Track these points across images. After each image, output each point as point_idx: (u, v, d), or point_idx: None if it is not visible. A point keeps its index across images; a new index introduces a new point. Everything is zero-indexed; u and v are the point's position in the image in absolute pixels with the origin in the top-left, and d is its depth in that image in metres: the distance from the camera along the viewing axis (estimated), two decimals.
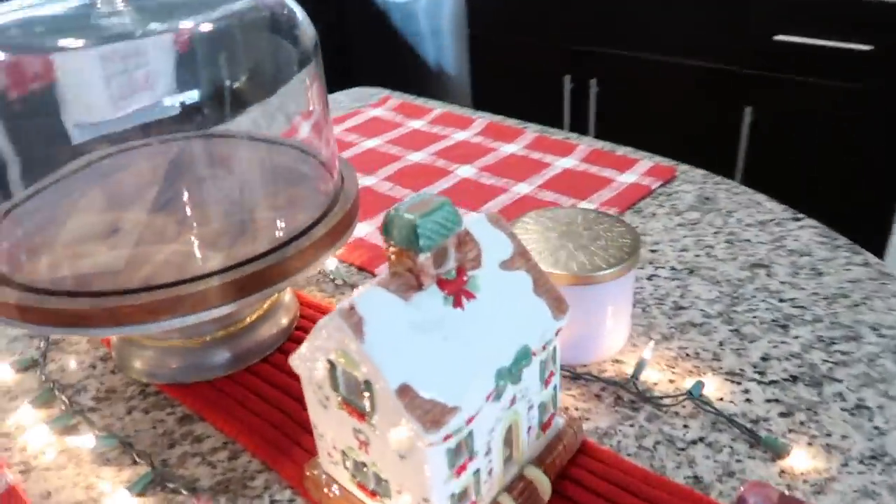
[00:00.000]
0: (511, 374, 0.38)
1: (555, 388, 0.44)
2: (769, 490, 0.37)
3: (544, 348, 0.41)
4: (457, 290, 0.38)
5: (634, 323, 0.59)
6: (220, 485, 0.47)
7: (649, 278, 0.65)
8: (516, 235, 0.43)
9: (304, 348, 0.38)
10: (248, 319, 0.56)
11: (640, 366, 0.53)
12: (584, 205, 0.77)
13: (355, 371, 0.35)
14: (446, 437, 0.35)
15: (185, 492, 0.46)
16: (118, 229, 0.52)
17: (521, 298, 0.40)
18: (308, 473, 0.45)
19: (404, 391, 0.34)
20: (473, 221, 0.41)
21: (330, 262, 0.70)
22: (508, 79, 2.16)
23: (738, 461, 0.46)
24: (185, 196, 0.56)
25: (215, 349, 0.55)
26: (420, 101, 1.09)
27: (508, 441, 0.42)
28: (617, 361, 0.55)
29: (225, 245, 0.50)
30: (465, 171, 0.86)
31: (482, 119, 1.00)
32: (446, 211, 0.37)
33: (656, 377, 0.54)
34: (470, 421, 0.37)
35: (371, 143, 0.95)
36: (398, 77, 2.46)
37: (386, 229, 0.37)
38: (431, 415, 0.34)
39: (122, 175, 0.58)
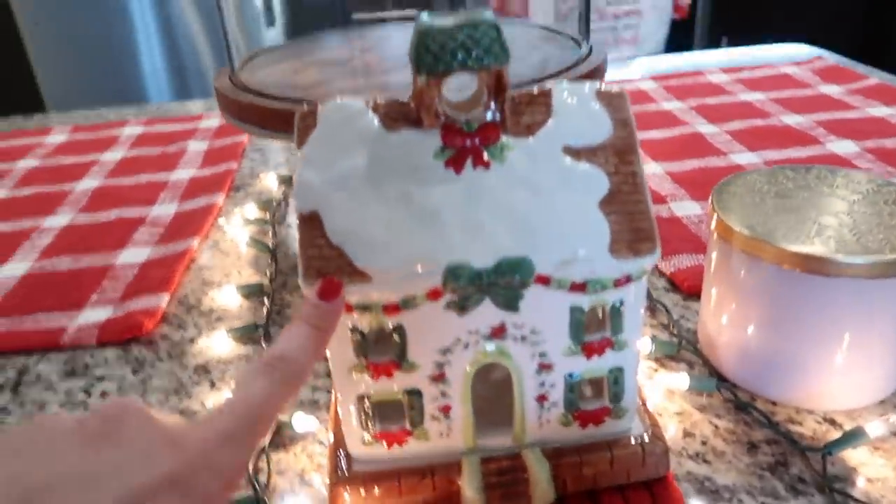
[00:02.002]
0: (479, 280, 0.26)
1: (617, 372, 0.29)
2: None
3: (579, 289, 0.27)
4: (463, 147, 0.27)
5: None
6: None
7: None
8: (631, 124, 0.28)
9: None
10: None
11: (848, 438, 0.32)
12: None
13: None
14: (348, 309, 0.26)
15: None
16: None
17: (568, 203, 0.27)
18: None
19: (310, 221, 0.27)
20: (568, 85, 0.29)
21: None
22: None
23: None
24: None
25: None
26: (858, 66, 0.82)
27: (501, 401, 0.29)
28: (829, 420, 0.34)
29: None
30: (842, 147, 0.62)
31: None
32: (481, 32, 0.26)
33: (876, 472, 0.31)
34: (393, 310, 0.27)
35: (753, 96, 0.76)
36: None
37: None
38: (322, 263, 0.26)
39: None
